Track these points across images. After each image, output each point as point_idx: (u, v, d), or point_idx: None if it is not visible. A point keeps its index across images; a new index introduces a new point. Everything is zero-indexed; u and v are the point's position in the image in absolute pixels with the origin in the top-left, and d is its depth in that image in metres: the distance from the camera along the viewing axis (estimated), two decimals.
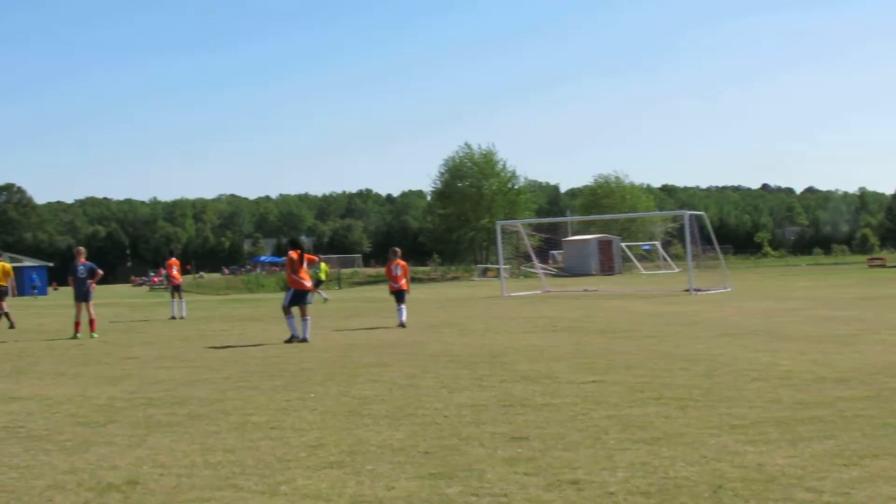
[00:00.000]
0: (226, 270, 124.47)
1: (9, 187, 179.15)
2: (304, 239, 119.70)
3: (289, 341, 19.55)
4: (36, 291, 72.62)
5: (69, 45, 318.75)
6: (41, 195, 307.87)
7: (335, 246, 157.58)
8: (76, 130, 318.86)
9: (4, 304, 28.28)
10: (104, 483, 6.97)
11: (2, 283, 28.54)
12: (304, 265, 20.45)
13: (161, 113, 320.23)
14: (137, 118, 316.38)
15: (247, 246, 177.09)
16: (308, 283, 20.37)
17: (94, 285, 23.54)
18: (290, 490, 6.72)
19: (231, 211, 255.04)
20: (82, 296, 23.31)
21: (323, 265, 43.06)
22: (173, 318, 30.37)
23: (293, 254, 20.31)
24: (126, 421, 9.85)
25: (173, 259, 33.02)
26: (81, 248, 24.51)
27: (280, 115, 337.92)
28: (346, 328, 23.95)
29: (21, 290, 70.19)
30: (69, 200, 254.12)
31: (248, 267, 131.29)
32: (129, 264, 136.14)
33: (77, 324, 23.01)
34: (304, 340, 19.42)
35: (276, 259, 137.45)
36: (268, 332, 22.74)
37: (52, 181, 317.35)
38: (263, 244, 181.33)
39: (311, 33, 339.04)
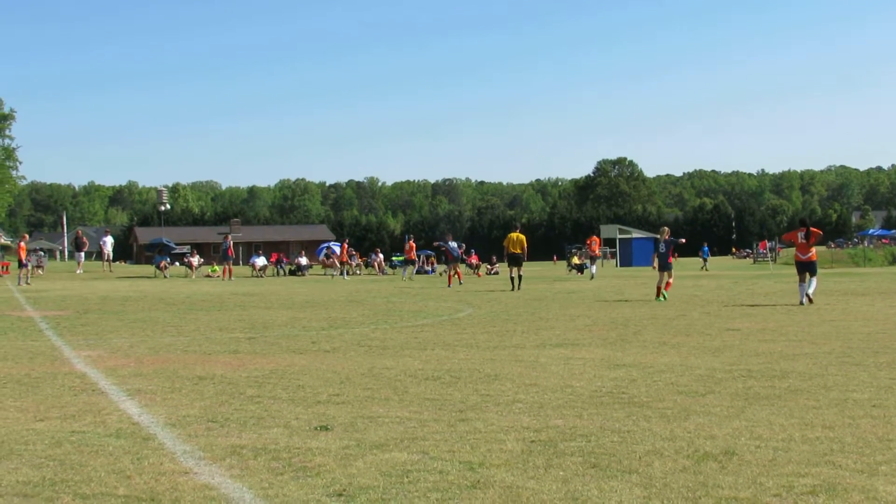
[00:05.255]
0: (832, 244, 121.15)
1: (621, 161, 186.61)
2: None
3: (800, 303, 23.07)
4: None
5: None
6: (651, 169, 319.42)
7: None
8: (686, 108, 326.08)
9: (521, 269, 33.44)
10: (701, 452, 7.06)
11: (516, 251, 33.43)
12: (807, 240, 23.83)
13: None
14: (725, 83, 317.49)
15: (855, 218, 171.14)
16: (804, 257, 23.87)
17: (671, 258, 26.86)
18: (891, 471, 6.42)
19: (840, 182, 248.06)
20: (663, 266, 26.62)
21: None
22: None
23: (796, 231, 24.73)
24: (725, 392, 9.91)
25: None
26: (666, 228, 28.45)
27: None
28: None
29: (630, 261, 73.21)
30: (678, 173, 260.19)
31: (856, 240, 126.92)
32: (733, 236, 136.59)
33: (658, 288, 26.33)
34: (801, 303, 22.98)
35: (886, 232, 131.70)
36: (873, 308, 21.91)
37: (664, 155, 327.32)
38: (872, 217, 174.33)
39: None
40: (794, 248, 25.93)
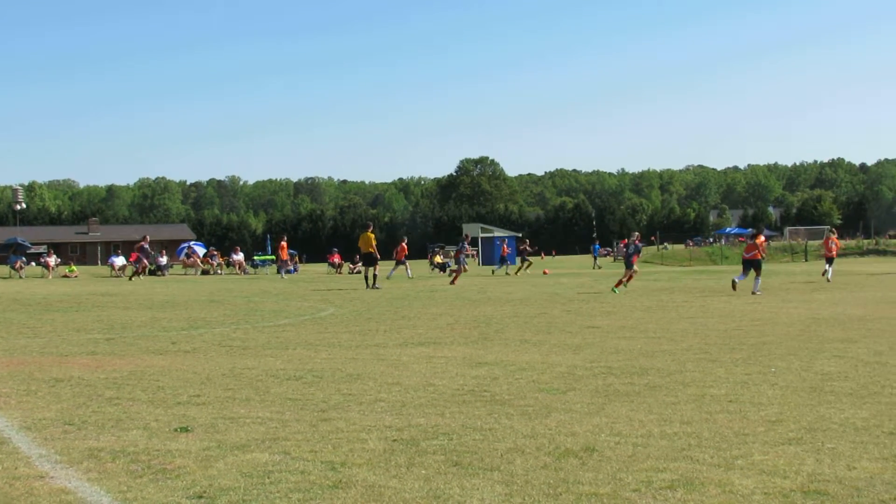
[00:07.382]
0: (690, 242, 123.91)
1: (483, 160, 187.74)
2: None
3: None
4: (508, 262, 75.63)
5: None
6: (513, 168, 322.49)
7: (803, 218, 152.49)
8: (548, 108, 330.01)
9: (376, 269, 33.88)
10: (562, 448, 7.13)
11: (368, 250, 34.10)
12: (753, 242, 28.35)
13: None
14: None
15: (712, 217, 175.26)
16: (747, 255, 28.27)
17: (634, 259, 30.67)
18: (747, 464, 6.59)
19: (698, 182, 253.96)
20: (628, 264, 30.81)
21: None
22: None
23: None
24: (585, 389, 10.05)
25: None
26: (637, 233, 32.37)
27: (739, 72, 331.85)
28: (811, 302, 23.25)
29: (492, 260, 73.61)
30: (539, 173, 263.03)
31: (713, 239, 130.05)
32: (594, 235, 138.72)
33: (619, 281, 30.21)
34: (732, 287, 27.61)
35: (742, 231, 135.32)
36: (729, 305, 22.46)
37: (525, 154, 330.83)
38: (729, 215, 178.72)
39: None
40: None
